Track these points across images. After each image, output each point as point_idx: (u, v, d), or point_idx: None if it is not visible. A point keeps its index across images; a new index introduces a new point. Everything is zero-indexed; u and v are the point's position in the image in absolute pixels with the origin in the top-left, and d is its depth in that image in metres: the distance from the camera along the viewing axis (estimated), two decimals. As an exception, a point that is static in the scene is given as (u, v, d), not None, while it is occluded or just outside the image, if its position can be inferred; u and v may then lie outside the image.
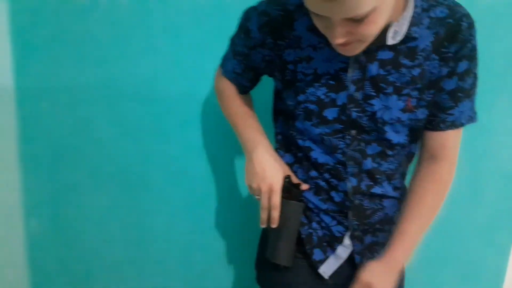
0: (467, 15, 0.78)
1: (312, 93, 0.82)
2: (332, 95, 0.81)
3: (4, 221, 1.37)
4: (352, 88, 0.80)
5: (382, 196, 0.90)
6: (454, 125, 0.86)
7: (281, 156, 0.93)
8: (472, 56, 0.80)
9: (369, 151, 0.86)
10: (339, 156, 0.86)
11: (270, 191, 0.87)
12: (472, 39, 0.79)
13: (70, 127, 1.30)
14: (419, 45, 0.78)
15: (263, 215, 0.89)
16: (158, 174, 1.32)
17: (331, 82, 0.81)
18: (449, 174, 0.90)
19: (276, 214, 0.87)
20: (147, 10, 1.19)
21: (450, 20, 0.77)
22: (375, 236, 0.92)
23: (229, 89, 0.98)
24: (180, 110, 1.25)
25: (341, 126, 0.83)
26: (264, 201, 0.87)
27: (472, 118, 0.86)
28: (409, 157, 0.93)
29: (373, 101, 0.81)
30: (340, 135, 0.84)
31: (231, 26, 0.92)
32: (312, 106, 0.83)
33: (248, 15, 0.86)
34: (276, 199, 0.86)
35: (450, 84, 0.82)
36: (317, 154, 0.87)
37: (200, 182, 1.32)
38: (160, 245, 1.38)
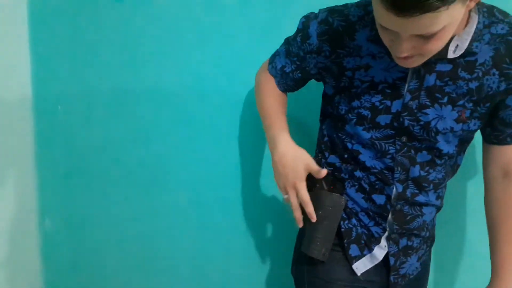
0: None
1: (367, 100, 0.85)
2: (387, 102, 0.83)
3: (20, 221, 1.42)
4: (407, 97, 0.82)
5: (424, 204, 0.91)
6: None
7: (326, 158, 0.96)
8: None
9: (418, 158, 0.87)
10: (388, 161, 0.87)
11: (296, 189, 0.88)
12: None
13: (85, 131, 1.36)
14: (478, 59, 0.79)
15: (297, 214, 0.90)
16: (169, 176, 1.35)
17: (387, 90, 0.83)
18: None
19: (310, 209, 0.88)
20: (157, 14, 1.24)
21: (510, 38, 0.79)
22: (410, 241, 0.93)
23: (269, 84, 1.00)
24: (191, 112, 1.29)
25: (393, 132, 0.85)
26: (292, 200, 0.89)
27: None
28: (455, 168, 0.94)
29: (427, 111, 0.82)
30: (391, 140, 0.86)
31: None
32: (365, 112, 0.85)
33: (308, 21, 0.88)
34: (304, 194, 0.87)
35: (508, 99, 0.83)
36: (365, 158, 0.89)
37: (210, 184, 1.34)
38: (170, 244, 1.41)
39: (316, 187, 0.91)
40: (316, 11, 0.89)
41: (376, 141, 0.86)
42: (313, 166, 0.88)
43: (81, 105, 1.35)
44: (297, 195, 0.89)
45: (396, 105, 0.83)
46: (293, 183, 0.88)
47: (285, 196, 0.91)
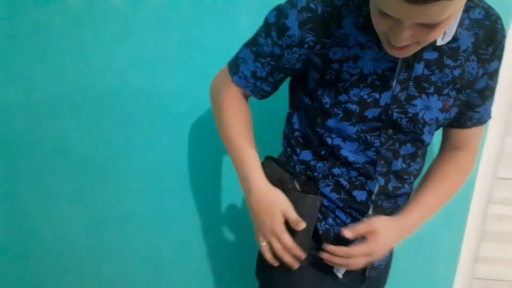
0: (499, 17, 0.80)
1: (355, 94, 0.79)
2: (376, 95, 0.79)
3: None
4: (397, 88, 0.78)
5: (399, 196, 0.89)
6: (479, 122, 0.89)
7: (298, 154, 0.90)
8: (501, 56, 0.83)
9: (402, 151, 0.84)
10: (371, 154, 0.83)
11: (276, 235, 0.83)
12: (503, 40, 0.81)
13: (26, 124, 1.30)
14: (461, 45, 0.77)
15: (287, 259, 0.84)
16: (118, 170, 1.35)
17: (377, 82, 0.78)
18: (471, 162, 0.93)
19: (299, 253, 0.83)
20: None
21: (487, 22, 0.78)
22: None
23: (233, 101, 0.90)
24: (137, 107, 1.26)
25: (379, 124, 0.81)
26: (276, 246, 0.84)
27: (490, 114, 0.90)
28: (426, 156, 0.93)
29: (415, 102, 0.79)
30: (376, 133, 0.82)
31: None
32: (353, 107, 0.80)
33: (282, 12, 0.79)
34: (287, 239, 0.82)
35: (480, 83, 0.83)
36: (347, 153, 0.84)
37: (161, 180, 1.35)
38: (122, 239, 1.43)
39: (288, 188, 0.86)
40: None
41: (361, 134, 0.82)
42: (291, 213, 0.82)
43: (19, 96, 1.28)
44: (279, 241, 0.83)
45: (385, 98, 0.78)
46: (271, 230, 0.83)
47: (263, 244, 0.86)
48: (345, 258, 0.82)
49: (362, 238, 0.83)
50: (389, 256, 0.99)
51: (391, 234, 0.84)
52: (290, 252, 0.84)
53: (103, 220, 1.40)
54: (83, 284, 1.49)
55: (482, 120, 0.89)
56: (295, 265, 0.85)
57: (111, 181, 1.35)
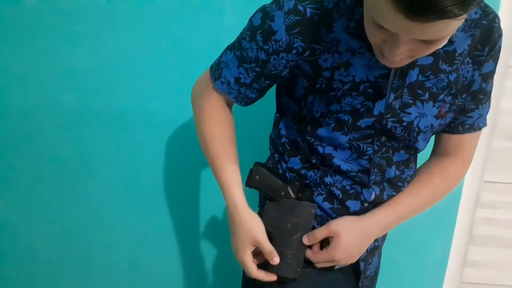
0: (497, 16, 0.75)
1: (348, 103, 0.74)
2: (369, 104, 0.74)
3: None
4: (391, 96, 0.74)
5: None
6: (472, 128, 0.83)
7: (286, 162, 0.85)
8: (497, 58, 0.78)
9: (395, 158, 0.81)
10: (364, 162, 0.80)
11: (241, 263, 0.82)
12: (500, 40, 0.76)
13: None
14: (457, 49, 0.73)
15: (265, 278, 0.82)
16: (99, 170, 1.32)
17: (369, 90, 0.74)
18: (461, 170, 0.88)
19: (265, 277, 0.82)
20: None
21: (484, 22, 0.73)
22: (376, 241, 0.89)
23: (216, 109, 0.84)
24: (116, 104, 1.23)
25: (372, 131, 0.77)
26: (250, 272, 0.82)
27: (485, 121, 0.84)
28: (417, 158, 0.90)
29: (410, 110, 0.75)
30: (369, 140, 0.78)
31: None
32: (345, 117, 0.75)
33: (268, 13, 0.72)
34: (250, 269, 0.81)
35: (474, 86, 0.78)
36: (339, 161, 0.80)
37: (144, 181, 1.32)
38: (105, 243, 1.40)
39: (281, 196, 0.82)
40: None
41: (354, 142, 0.78)
42: (264, 245, 0.79)
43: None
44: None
45: (378, 107, 0.74)
46: (239, 258, 0.82)
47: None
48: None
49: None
50: (378, 262, 0.97)
51: (354, 238, 0.81)
52: (259, 278, 0.82)
53: (81, 226, 1.37)
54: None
55: (475, 126, 0.83)
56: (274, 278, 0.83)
57: (91, 185, 1.32)
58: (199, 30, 1.15)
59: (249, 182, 0.84)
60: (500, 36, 0.76)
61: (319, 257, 0.82)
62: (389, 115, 0.75)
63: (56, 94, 1.22)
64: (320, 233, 0.81)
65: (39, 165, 1.30)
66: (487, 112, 0.83)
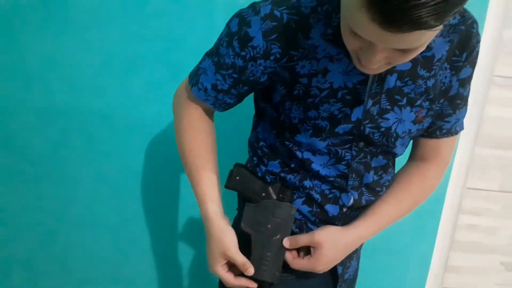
0: (476, 21, 0.75)
1: (325, 110, 0.74)
2: (347, 110, 0.74)
3: None
4: (369, 102, 0.74)
5: (366, 206, 0.86)
6: (450, 132, 0.84)
7: (266, 165, 0.85)
8: (475, 63, 0.78)
9: (373, 163, 0.81)
10: (342, 167, 0.80)
11: (215, 273, 0.82)
12: (478, 46, 0.76)
13: None
14: (435, 54, 0.73)
15: (244, 283, 0.81)
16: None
17: (347, 97, 0.73)
18: (438, 175, 0.88)
19: (242, 283, 0.81)
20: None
21: (462, 27, 0.73)
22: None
23: (195, 119, 0.84)
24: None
25: (350, 137, 0.77)
26: (227, 281, 0.81)
27: (463, 125, 0.85)
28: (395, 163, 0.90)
29: (388, 115, 0.75)
30: (347, 146, 0.78)
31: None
32: (323, 123, 0.75)
33: (244, 19, 0.72)
34: (225, 278, 0.80)
35: (451, 91, 0.79)
36: (318, 167, 0.80)
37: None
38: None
39: (261, 196, 0.82)
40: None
41: (332, 147, 0.78)
42: (237, 258, 0.79)
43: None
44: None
45: (356, 113, 0.74)
46: (212, 268, 0.82)
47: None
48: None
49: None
50: (357, 265, 0.97)
51: (336, 252, 0.81)
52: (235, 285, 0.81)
53: (62, 225, 1.37)
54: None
55: (452, 130, 0.84)
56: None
57: (72, 185, 1.32)
58: (191, 29, 1.15)
59: (229, 183, 0.84)
60: (479, 41, 0.76)
61: (299, 265, 0.81)
62: (367, 121, 0.75)
63: (40, 91, 1.21)
64: (303, 240, 0.80)
65: (21, 164, 1.29)
66: (464, 116, 0.84)
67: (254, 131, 0.88)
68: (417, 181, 0.87)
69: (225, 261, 0.81)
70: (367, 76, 0.72)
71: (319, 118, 0.75)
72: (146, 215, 1.36)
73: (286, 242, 0.81)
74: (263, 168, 0.85)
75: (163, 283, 1.45)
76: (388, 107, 0.75)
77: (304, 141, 0.78)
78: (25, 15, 1.14)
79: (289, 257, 0.82)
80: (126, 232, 1.38)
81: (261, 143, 0.85)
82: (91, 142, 1.26)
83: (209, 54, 0.80)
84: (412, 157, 0.91)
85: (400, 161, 0.90)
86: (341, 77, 0.72)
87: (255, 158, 0.88)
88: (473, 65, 0.78)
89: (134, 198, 1.34)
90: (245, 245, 0.81)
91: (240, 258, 0.79)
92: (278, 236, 0.81)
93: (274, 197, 0.81)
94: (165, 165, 1.29)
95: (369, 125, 0.76)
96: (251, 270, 0.79)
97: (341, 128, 0.76)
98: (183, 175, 1.30)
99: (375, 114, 0.75)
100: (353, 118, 0.75)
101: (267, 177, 0.85)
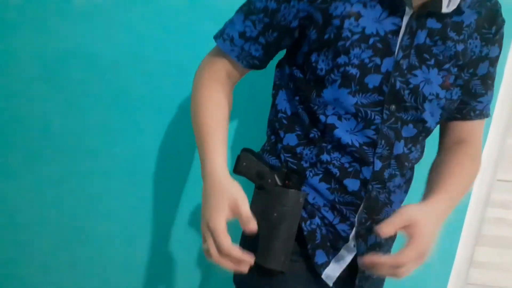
0: (499, 2, 0.80)
1: (356, 55, 0.74)
2: (377, 60, 0.74)
3: None
4: (400, 54, 0.74)
5: (393, 191, 0.82)
6: (482, 114, 0.86)
7: (282, 139, 0.82)
8: (501, 44, 0.81)
9: (404, 133, 0.79)
10: (371, 133, 0.77)
11: (211, 230, 0.70)
12: (503, 27, 0.80)
13: None
14: (464, 20, 0.76)
15: (227, 264, 0.70)
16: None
17: (378, 45, 0.74)
18: (478, 158, 0.87)
19: (228, 264, 0.70)
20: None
21: (488, 3, 0.77)
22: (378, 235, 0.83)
23: (216, 80, 0.82)
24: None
25: (381, 98, 0.75)
26: (210, 248, 0.70)
27: (489, 110, 0.86)
28: (422, 153, 0.87)
29: (416, 72, 0.75)
30: (378, 109, 0.76)
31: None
32: (353, 70, 0.74)
33: None
34: (222, 241, 0.69)
35: (483, 69, 0.81)
36: (341, 133, 0.77)
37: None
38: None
39: (267, 183, 0.79)
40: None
41: (361, 108, 0.75)
42: (243, 208, 0.70)
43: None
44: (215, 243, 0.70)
45: (386, 64, 0.74)
46: (207, 222, 0.71)
47: (204, 246, 0.72)
48: (394, 268, 0.71)
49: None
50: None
51: (432, 223, 0.72)
52: (227, 256, 0.70)
53: (75, 216, 1.32)
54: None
55: (484, 112, 0.86)
56: (241, 268, 0.71)
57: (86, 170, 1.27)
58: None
59: (237, 168, 0.82)
60: (504, 22, 0.80)
61: (408, 255, 0.70)
62: (397, 74, 0.75)
63: (56, 69, 1.18)
64: (397, 220, 0.71)
65: (32, 144, 1.24)
66: (491, 99, 0.86)
67: (273, 107, 0.87)
68: (464, 157, 0.85)
69: (229, 216, 0.71)
70: (399, 26, 0.73)
71: (349, 65, 0.74)
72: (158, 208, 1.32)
73: (385, 229, 0.70)
74: (279, 146, 0.83)
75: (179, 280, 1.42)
76: (417, 64, 0.75)
77: (331, 97, 0.76)
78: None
79: (392, 259, 0.71)
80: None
81: (279, 115, 0.83)
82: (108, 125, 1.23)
83: (238, 10, 0.80)
84: (446, 145, 0.90)
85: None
86: (374, 24, 0.73)
87: (272, 137, 0.86)
88: (500, 46, 0.81)
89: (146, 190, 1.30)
90: (249, 239, 0.75)
91: (246, 209, 0.70)
92: (285, 224, 0.78)
93: (280, 183, 0.80)
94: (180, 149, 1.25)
95: (399, 79, 0.75)
96: (252, 225, 0.70)
97: (370, 79, 0.74)
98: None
99: (404, 68, 0.75)
100: (383, 69, 0.74)
101: (282, 156, 0.83)
